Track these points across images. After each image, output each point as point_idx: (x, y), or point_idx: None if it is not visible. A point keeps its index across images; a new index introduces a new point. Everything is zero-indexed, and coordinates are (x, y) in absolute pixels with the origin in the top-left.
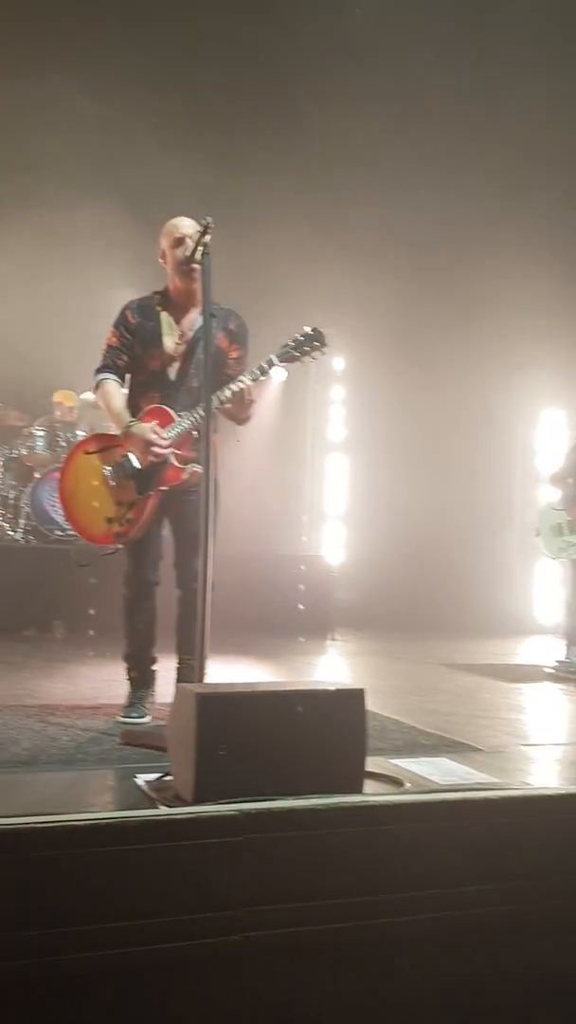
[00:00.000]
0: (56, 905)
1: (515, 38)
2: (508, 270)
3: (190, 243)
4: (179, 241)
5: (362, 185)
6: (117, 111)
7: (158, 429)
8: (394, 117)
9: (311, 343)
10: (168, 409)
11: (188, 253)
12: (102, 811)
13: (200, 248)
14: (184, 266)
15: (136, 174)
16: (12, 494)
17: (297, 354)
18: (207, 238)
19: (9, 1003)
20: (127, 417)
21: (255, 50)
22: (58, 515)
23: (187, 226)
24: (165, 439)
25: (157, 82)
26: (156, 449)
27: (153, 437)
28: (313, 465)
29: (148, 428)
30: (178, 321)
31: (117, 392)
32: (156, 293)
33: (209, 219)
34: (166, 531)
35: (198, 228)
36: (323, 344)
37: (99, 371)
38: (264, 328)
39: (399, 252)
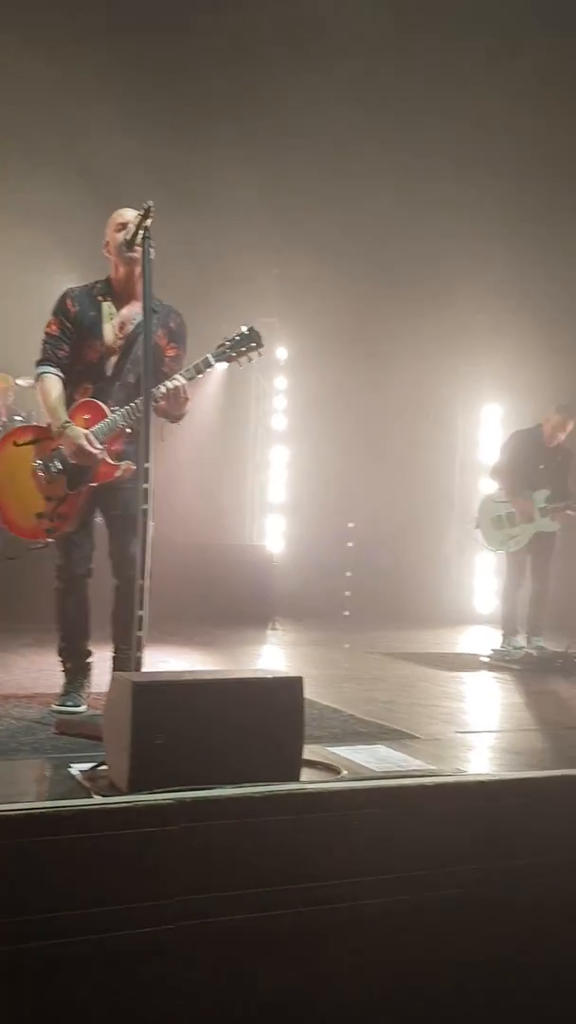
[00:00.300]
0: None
1: (471, 31)
2: (454, 267)
3: (132, 227)
4: (122, 226)
5: (314, 175)
6: (75, 89)
7: (91, 437)
8: (352, 109)
9: (247, 343)
10: (101, 404)
11: (129, 236)
12: (36, 801)
13: (141, 232)
14: (125, 249)
15: (90, 154)
16: None
17: (233, 354)
18: (148, 222)
19: None
20: (63, 416)
21: (217, 33)
22: None
23: (130, 214)
24: (98, 447)
25: (117, 62)
26: (87, 457)
27: (84, 444)
28: (256, 455)
29: (82, 434)
30: (118, 311)
31: (56, 388)
32: (98, 282)
33: (150, 203)
34: (99, 519)
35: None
36: (259, 345)
37: (40, 363)
38: (207, 313)
39: (346, 243)
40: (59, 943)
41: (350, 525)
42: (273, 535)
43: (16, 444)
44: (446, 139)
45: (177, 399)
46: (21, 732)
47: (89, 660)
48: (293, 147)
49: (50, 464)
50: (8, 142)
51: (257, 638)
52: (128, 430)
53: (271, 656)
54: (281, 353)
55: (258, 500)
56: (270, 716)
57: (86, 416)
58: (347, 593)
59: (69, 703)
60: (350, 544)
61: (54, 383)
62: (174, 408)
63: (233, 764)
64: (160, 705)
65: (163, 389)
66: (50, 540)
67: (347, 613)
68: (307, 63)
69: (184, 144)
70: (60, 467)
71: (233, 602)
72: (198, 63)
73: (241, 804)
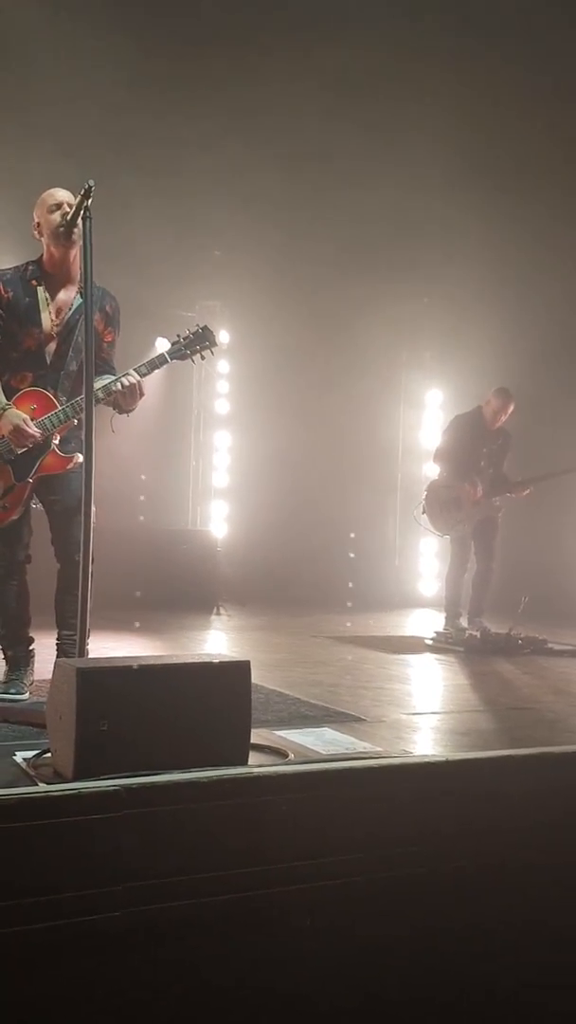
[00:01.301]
0: None
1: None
2: (399, 254)
3: (68, 209)
4: (55, 207)
5: (262, 154)
6: (30, 49)
7: (29, 420)
8: (305, 84)
9: (201, 342)
10: (48, 393)
11: (68, 217)
12: None
13: (81, 213)
14: (62, 231)
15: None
16: None
17: (188, 352)
18: (89, 202)
19: None
20: (1, 400)
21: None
22: None
23: (63, 195)
24: (35, 431)
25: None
26: (24, 439)
27: (22, 425)
28: (199, 439)
29: (21, 416)
30: (53, 296)
31: None
32: (29, 264)
33: (91, 182)
34: (35, 505)
35: (73, 197)
36: (213, 344)
37: None
38: (149, 295)
39: (290, 225)
40: (2, 932)
41: (351, 535)
42: (217, 520)
43: None
44: (396, 117)
45: (133, 395)
46: None
47: (31, 647)
48: (244, 125)
49: None
50: None
51: (202, 623)
52: (75, 421)
53: (216, 641)
54: (223, 336)
55: (201, 485)
56: (217, 700)
57: (33, 406)
58: (350, 584)
59: (12, 691)
60: (352, 555)
61: None
62: (128, 403)
63: (180, 749)
64: (105, 691)
65: (119, 386)
66: None
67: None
68: (257, 35)
69: (134, 115)
70: (6, 457)
71: (177, 587)
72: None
73: (188, 789)
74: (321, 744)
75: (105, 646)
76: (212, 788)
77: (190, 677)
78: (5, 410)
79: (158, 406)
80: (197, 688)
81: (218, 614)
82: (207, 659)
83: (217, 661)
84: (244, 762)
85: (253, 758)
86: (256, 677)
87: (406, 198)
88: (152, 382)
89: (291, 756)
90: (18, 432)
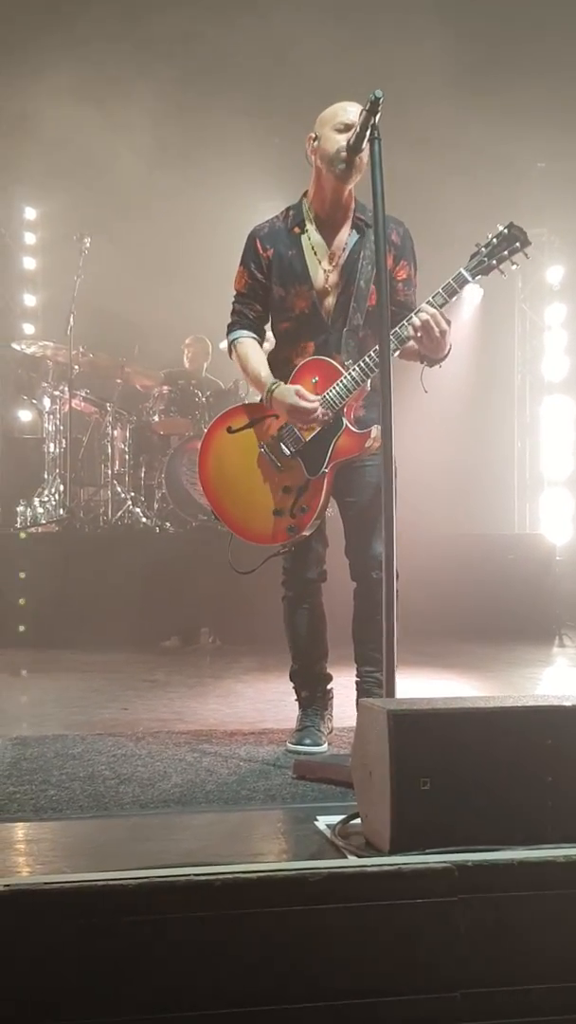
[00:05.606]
0: (219, 980)
1: None
2: None
3: (346, 135)
4: (345, 127)
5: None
6: None
7: (303, 391)
8: None
9: (509, 244)
10: (329, 360)
11: (351, 140)
12: (276, 861)
13: (368, 132)
14: (343, 159)
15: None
16: (143, 471)
17: (493, 261)
18: (377, 118)
19: None
20: (269, 379)
21: None
22: (201, 497)
23: (354, 112)
24: (312, 400)
25: None
26: (305, 416)
27: (296, 401)
28: (524, 413)
29: (291, 390)
30: (327, 242)
31: (254, 352)
32: (289, 209)
33: (379, 93)
34: (330, 511)
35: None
36: (525, 243)
37: (230, 329)
38: (447, 232)
39: None
40: None
41: None
42: (553, 519)
43: (230, 431)
44: None
45: (431, 335)
46: (252, 776)
47: (329, 686)
48: None
49: (281, 445)
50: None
51: (540, 657)
52: (368, 386)
53: (561, 680)
54: (554, 274)
55: (529, 473)
56: (571, 756)
57: (314, 379)
58: None
59: (307, 741)
60: None
61: (251, 347)
62: (430, 348)
63: (526, 818)
64: (426, 741)
65: (409, 329)
66: (294, 541)
67: None
68: None
69: None
70: (294, 448)
71: (504, 610)
72: None
73: (540, 871)
74: None
75: (416, 687)
76: (572, 871)
77: (535, 725)
78: (272, 391)
79: (467, 371)
80: (545, 739)
81: (562, 644)
82: (556, 703)
83: (570, 704)
84: None
85: None
86: None
87: None
88: (458, 340)
89: None
90: (295, 411)
